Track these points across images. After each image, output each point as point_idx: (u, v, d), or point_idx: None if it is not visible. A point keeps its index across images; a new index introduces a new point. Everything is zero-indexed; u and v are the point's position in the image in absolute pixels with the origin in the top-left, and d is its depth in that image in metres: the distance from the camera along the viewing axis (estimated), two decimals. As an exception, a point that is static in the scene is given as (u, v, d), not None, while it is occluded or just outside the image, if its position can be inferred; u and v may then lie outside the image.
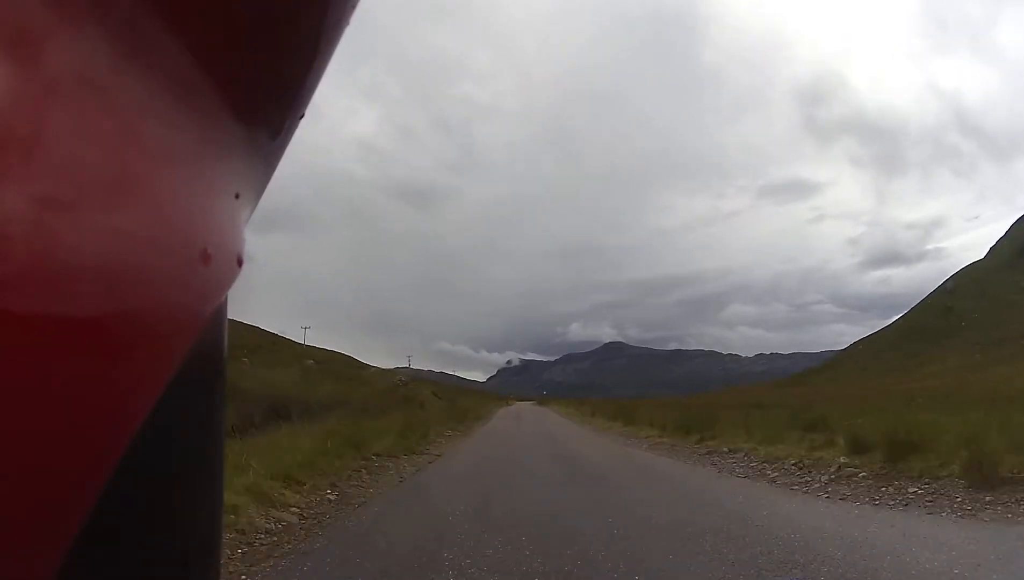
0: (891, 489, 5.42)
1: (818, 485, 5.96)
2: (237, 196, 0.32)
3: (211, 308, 0.28)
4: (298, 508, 5.01)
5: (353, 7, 0.31)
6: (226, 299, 0.32)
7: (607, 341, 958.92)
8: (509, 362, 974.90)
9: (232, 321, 0.35)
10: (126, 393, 0.23)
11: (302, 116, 0.35)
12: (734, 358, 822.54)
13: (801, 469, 6.76)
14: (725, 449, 9.01)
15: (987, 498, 4.72)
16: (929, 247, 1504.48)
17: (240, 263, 0.30)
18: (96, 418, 0.22)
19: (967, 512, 4.54)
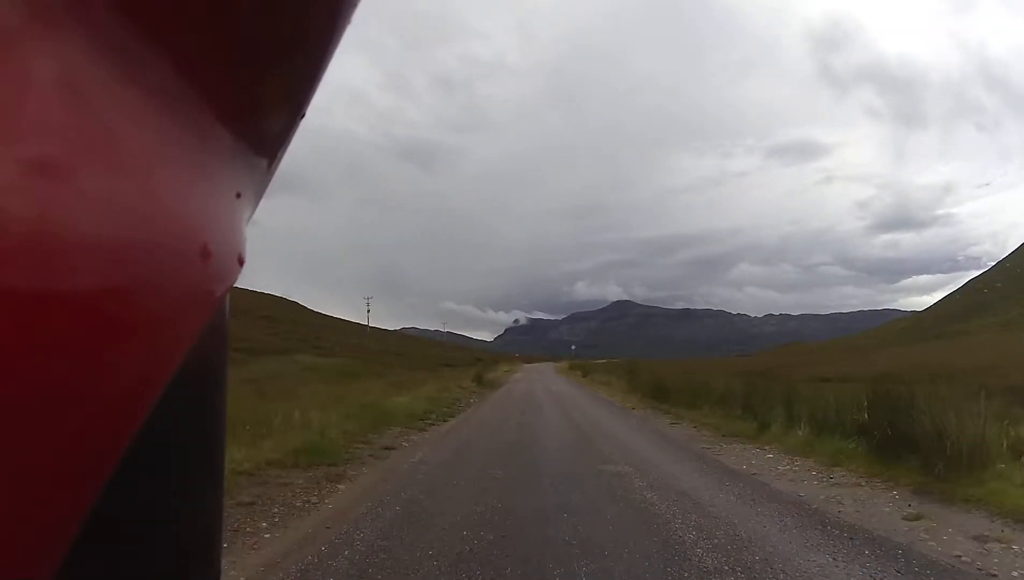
0: None
1: None
2: (238, 195, 0.32)
3: (212, 306, 0.28)
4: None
5: (354, 8, 0.31)
6: (227, 296, 0.32)
7: (614, 299, 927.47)
8: (516, 321, 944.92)
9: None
10: (127, 391, 0.23)
11: (303, 115, 0.35)
12: (743, 318, 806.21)
13: None
14: None
15: None
16: (939, 212, 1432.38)
17: (241, 262, 0.31)
18: (96, 416, 0.22)
19: None
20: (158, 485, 0.32)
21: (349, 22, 0.31)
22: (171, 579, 0.34)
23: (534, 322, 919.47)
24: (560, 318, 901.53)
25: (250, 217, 0.36)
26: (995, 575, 3.19)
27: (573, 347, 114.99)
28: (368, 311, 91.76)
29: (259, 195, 0.37)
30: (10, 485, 0.19)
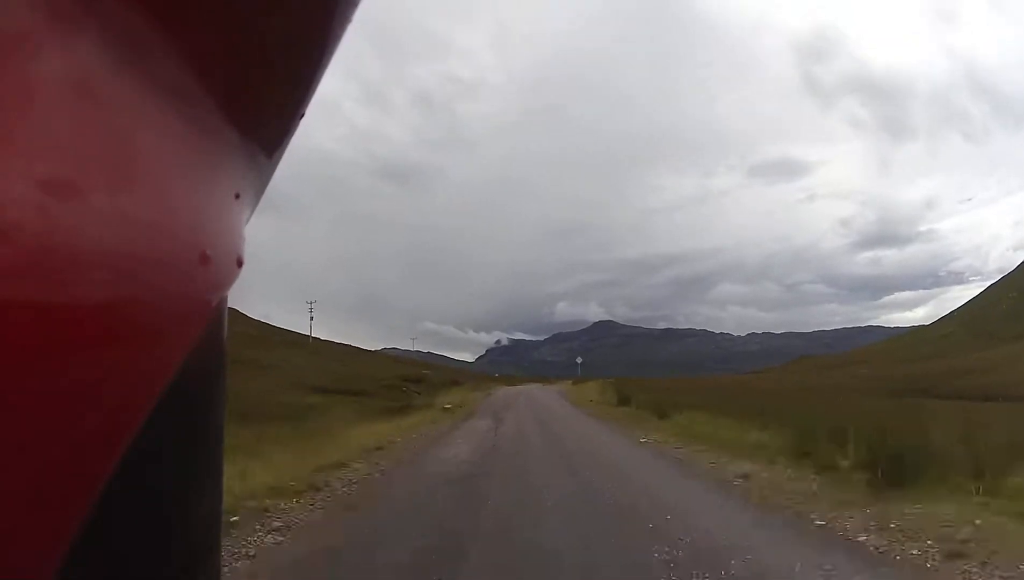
0: None
1: None
2: (237, 197, 0.32)
3: (210, 308, 0.28)
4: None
5: (355, 7, 0.31)
6: (226, 299, 0.32)
7: (596, 320, 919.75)
8: (498, 342, 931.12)
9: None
10: (126, 394, 0.23)
11: (302, 116, 0.35)
12: (727, 337, 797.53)
13: None
14: None
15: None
16: (922, 229, 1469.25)
17: (240, 264, 0.30)
18: (96, 419, 0.22)
19: None
20: (157, 488, 0.32)
21: (350, 21, 0.31)
22: None
23: (516, 343, 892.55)
24: (542, 339, 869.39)
25: (249, 218, 0.35)
26: None
27: (579, 360, 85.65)
28: (311, 319, 78.07)
29: (258, 196, 0.37)
30: (10, 485, 0.19)
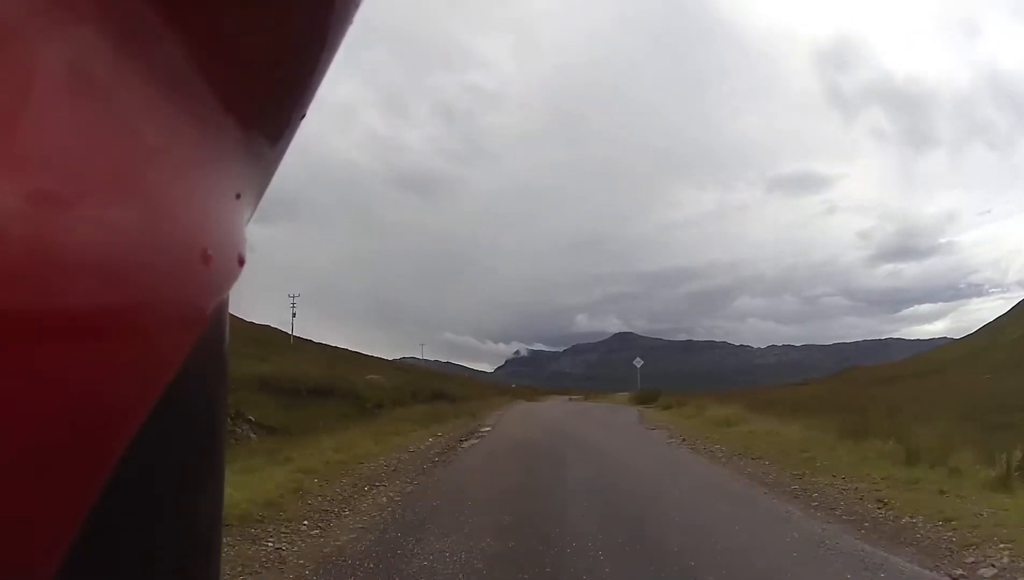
0: None
1: None
2: (238, 196, 0.32)
3: (211, 308, 0.28)
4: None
5: (356, 6, 0.31)
6: (227, 298, 0.32)
7: (615, 332, 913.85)
8: (517, 353, 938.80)
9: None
10: (127, 393, 0.23)
11: (303, 116, 0.35)
12: (746, 350, 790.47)
13: None
14: None
15: None
16: (941, 241, 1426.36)
17: (241, 263, 0.30)
18: (96, 418, 0.22)
19: None
20: (158, 486, 0.32)
21: (351, 22, 0.31)
22: None
23: (535, 354, 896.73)
24: (561, 350, 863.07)
25: (250, 217, 0.35)
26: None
27: (639, 364, 39.40)
28: (293, 316, 62.52)
29: (259, 196, 0.37)
30: (10, 486, 0.19)
